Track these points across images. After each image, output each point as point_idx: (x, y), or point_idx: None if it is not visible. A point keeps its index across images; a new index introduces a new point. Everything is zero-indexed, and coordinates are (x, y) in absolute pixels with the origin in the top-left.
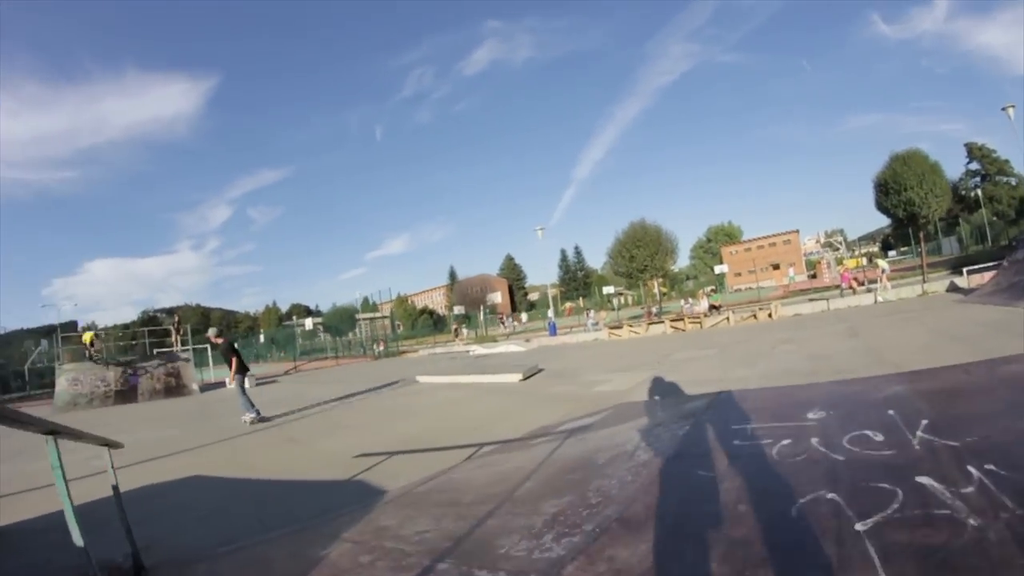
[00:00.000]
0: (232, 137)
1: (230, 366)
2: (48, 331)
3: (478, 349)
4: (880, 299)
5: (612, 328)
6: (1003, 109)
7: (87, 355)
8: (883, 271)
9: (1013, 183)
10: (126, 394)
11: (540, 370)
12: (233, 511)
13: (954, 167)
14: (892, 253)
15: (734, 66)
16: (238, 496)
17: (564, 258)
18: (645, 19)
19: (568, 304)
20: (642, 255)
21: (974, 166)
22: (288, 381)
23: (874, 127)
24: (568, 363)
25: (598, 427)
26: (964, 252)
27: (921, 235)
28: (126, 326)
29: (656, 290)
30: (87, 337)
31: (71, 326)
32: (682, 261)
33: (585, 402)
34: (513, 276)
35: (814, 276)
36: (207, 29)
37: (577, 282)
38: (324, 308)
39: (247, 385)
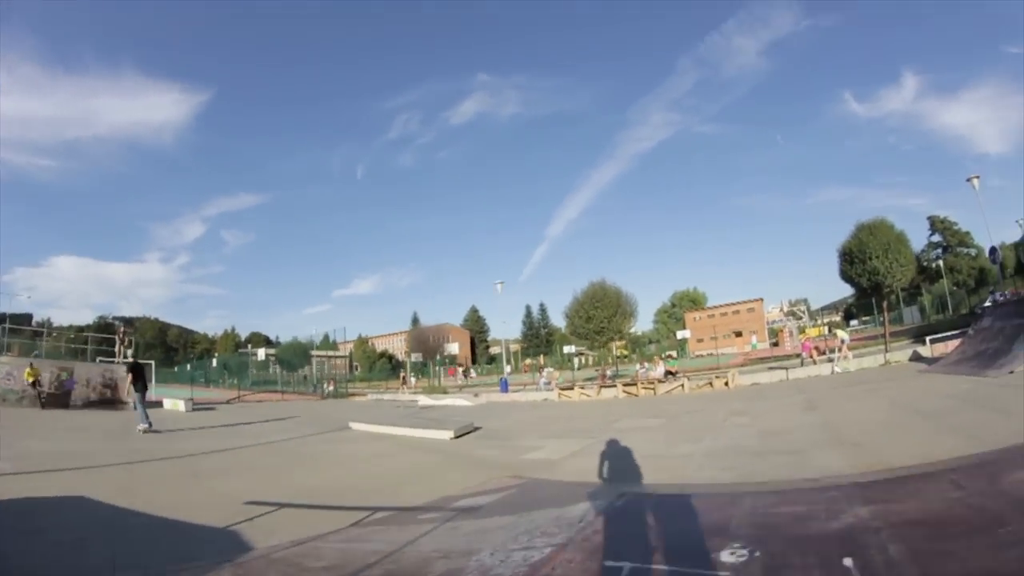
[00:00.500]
0: (216, 155)
1: (129, 381)
2: None
3: (424, 400)
4: (838, 370)
5: (563, 389)
6: (968, 180)
7: (36, 394)
8: (843, 341)
9: (973, 254)
10: (59, 398)
11: (476, 429)
12: (94, 543)
13: (917, 239)
14: (854, 322)
15: (710, 136)
16: (109, 527)
17: (528, 314)
18: (629, 86)
19: (527, 360)
20: (600, 316)
21: (936, 238)
22: (225, 411)
23: (841, 200)
24: (508, 423)
25: (483, 514)
26: (926, 321)
27: (884, 305)
28: (80, 328)
29: (614, 352)
30: (28, 374)
31: (26, 318)
32: (645, 325)
33: (507, 470)
34: (476, 328)
35: (776, 344)
36: (209, 45)
37: (539, 339)
38: (284, 340)
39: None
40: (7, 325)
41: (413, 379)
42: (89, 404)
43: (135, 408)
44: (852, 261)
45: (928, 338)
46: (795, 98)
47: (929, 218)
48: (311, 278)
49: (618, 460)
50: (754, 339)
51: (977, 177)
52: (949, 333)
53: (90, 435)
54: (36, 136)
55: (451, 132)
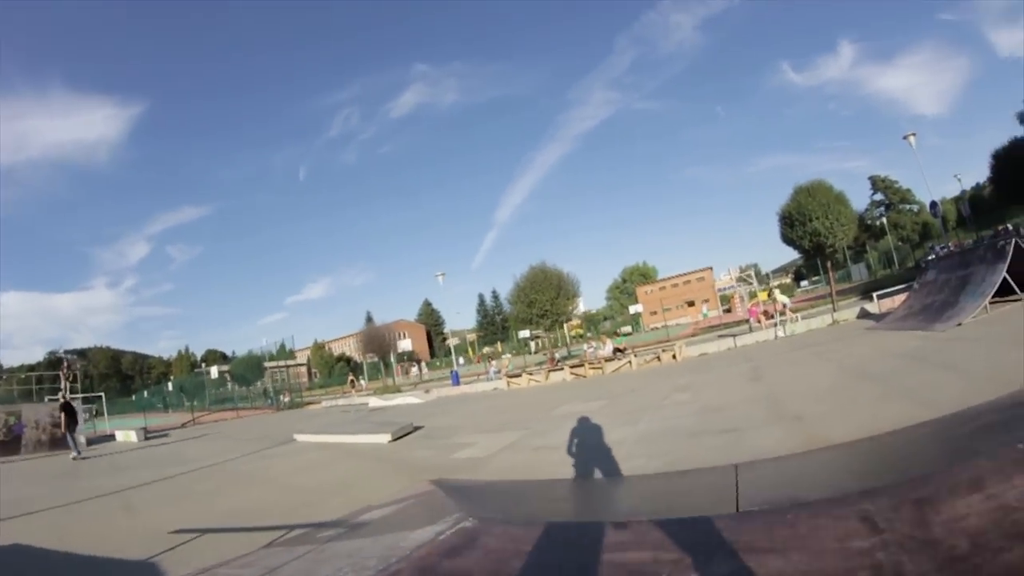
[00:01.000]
0: (155, 169)
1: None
2: None
3: (375, 401)
4: (781, 334)
5: (511, 377)
6: (904, 138)
7: None
8: (784, 305)
9: (915, 210)
10: (8, 445)
11: (416, 429)
12: None
13: (860, 199)
14: (804, 283)
15: (652, 113)
16: (38, 571)
17: (482, 302)
18: (568, 68)
19: (485, 349)
20: (542, 300)
21: (879, 197)
22: (177, 436)
23: (784, 167)
24: (451, 420)
25: (363, 532)
26: (873, 277)
27: (829, 264)
28: (31, 367)
29: (566, 334)
30: None
31: None
32: (599, 302)
33: (434, 472)
34: (431, 322)
35: (729, 311)
36: (137, 55)
37: (495, 327)
38: (241, 354)
39: (77, 433)
40: None
41: (363, 381)
42: (40, 446)
43: (68, 442)
44: (792, 224)
45: (875, 294)
46: (733, 71)
47: (870, 178)
48: (263, 287)
49: (544, 453)
50: (705, 308)
51: (913, 135)
52: (895, 288)
53: (36, 480)
54: None
55: (392, 125)
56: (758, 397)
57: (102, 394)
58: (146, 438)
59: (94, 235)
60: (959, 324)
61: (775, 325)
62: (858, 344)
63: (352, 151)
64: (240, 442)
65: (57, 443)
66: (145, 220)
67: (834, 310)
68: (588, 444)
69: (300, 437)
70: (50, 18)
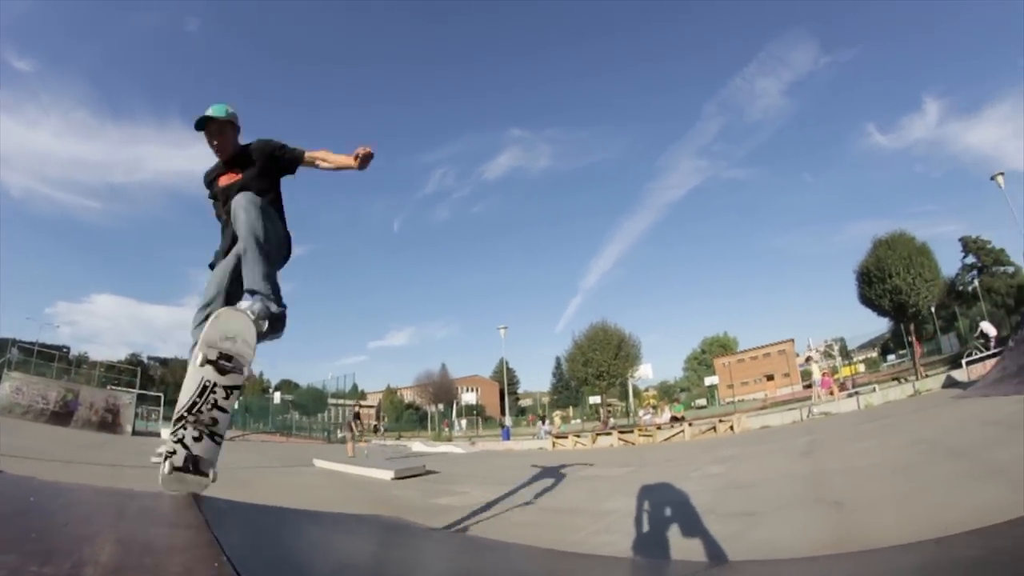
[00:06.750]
0: None
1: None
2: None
3: (419, 446)
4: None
5: (557, 437)
6: (992, 178)
7: None
8: (823, 375)
9: (1010, 271)
10: (61, 416)
11: (426, 472)
12: None
13: (951, 266)
14: (892, 357)
15: (739, 181)
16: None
17: (558, 366)
18: (658, 133)
19: (557, 412)
20: (599, 359)
21: (971, 260)
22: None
23: (873, 233)
24: (470, 469)
25: None
26: (964, 347)
27: (911, 327)
28: (111, 365)
29: (631, 401)
30: None
31: (61, 349)
32: (676, 372)
33: (396, 510)
34: (507, 380)
35: (809, 386)
36: (253, 101)
37: (570, 391)
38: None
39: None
40: (18, 345)
41: (383, 427)
42: (88, 424)
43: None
44: (871, 281)
45: (964, 360)
46: (821, 135)
47: (961, 239)
48: (347, 328)
49: (511, 512)
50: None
51: (1002, 174)
52: (987, 353)
53: (55, 448)
54: (84, 178)
55: (486, 186)
56: (799, 475)
57: (161, 395)
58: None
59: (193, 258)
60: None
61: (850, 396)
62: (941, 414)
63: (446, 208)
64: (265, 459)
65: (105, 425)
66: None
67: (917, 379)
68: (570, 509)
69: (318, 463)
70: (173, 56)
